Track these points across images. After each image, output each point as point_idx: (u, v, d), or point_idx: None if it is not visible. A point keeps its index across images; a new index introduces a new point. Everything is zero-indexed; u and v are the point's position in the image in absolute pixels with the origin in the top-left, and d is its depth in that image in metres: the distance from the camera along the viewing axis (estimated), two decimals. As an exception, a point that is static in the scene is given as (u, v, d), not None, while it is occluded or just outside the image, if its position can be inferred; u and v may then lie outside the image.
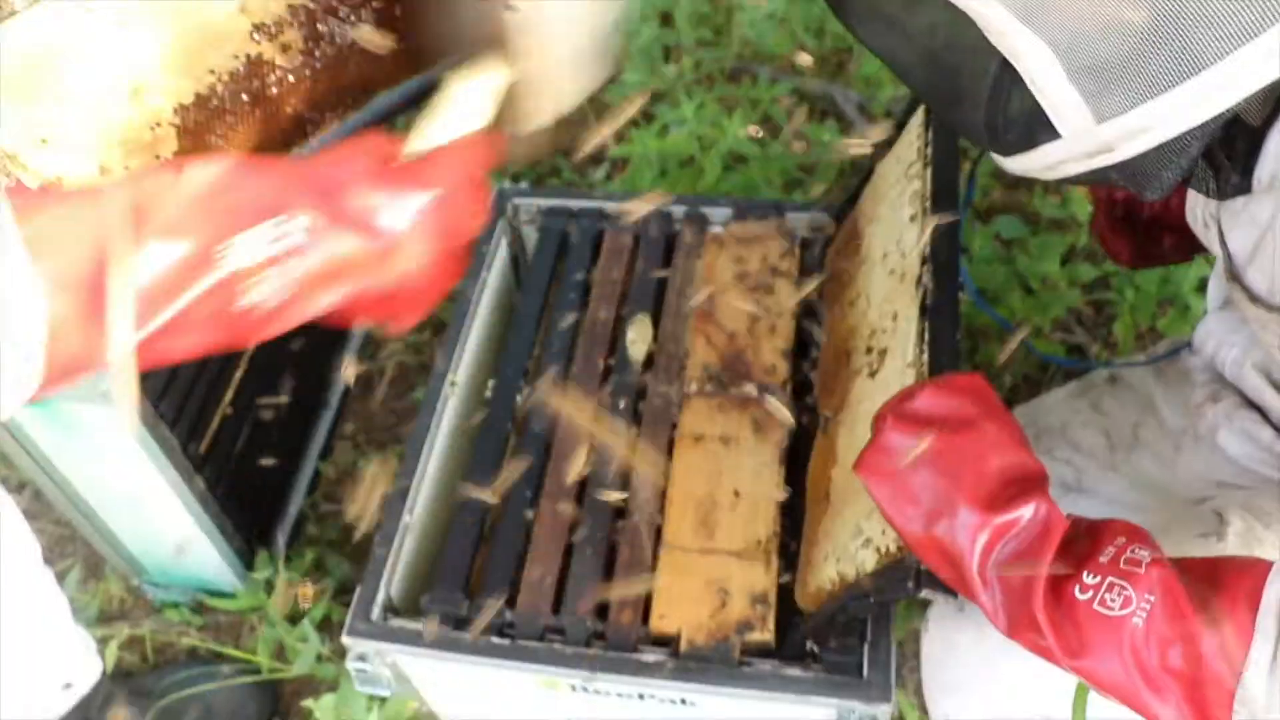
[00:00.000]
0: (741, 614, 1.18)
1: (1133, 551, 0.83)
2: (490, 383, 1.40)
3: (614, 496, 1.26)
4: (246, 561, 1.55)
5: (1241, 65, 0.65)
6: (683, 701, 1.18)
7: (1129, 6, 0.66)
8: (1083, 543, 0.85)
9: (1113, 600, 0.80)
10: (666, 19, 2.31)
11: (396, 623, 1.21)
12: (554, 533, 1.25)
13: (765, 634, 1.17)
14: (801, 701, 1.13)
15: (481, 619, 1.17)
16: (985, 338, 1.80)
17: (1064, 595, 0.82)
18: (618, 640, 1.17)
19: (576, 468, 1.29)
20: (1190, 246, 1.29)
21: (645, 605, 1.20)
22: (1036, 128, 0.74)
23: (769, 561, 1.22)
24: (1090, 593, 0.81)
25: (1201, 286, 1.80)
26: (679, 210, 1.53)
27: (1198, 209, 0.98)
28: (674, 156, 1.84)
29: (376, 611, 1.20)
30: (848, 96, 2.18)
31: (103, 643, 1.53)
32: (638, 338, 1.40)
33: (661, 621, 1.18)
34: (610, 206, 1.54)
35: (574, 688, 1.19)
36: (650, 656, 1.15)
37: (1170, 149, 0.71)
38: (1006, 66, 0.72)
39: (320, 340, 1.78)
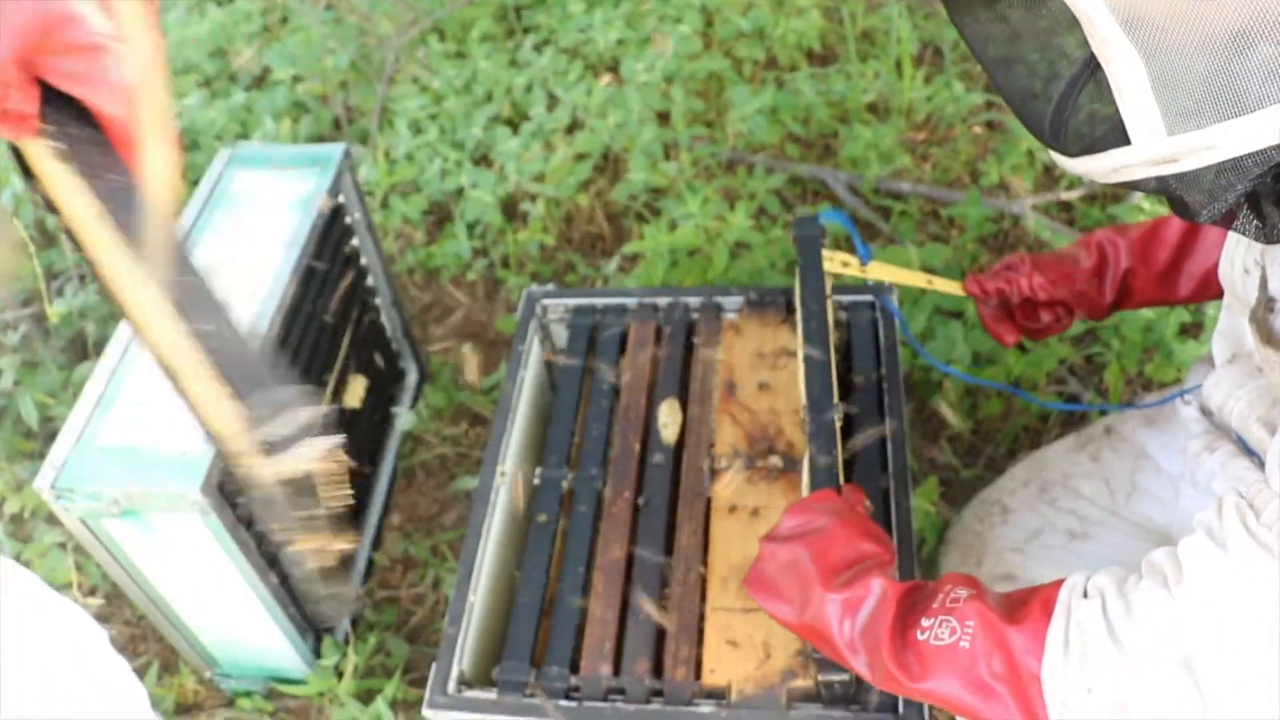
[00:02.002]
0: (784, 665, 1.30)
1: (954, 592, 1.01)
2: (538, 470, 1.52)
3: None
4: (314, 649, 1.67)
5: None
6: (736, 749, 1.30)
7: (1224, 33, 0.71)
8: (923, 597, 1.03)
9: (943, 633, 0.98)
10: (664, 118, 2.49)
11: (470, 694, 1.32)
12: (608, 604, 1.38)
13: (807, 681, 1.28)
14: (844, 741, 1.24)
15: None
16: (985, 396, 1.94)
17: (909, 639, 1.00)
18: (674, 696, 1.29)
19: (624, 544, 1.41)
20: (1063, 318, 1.48)
21: (697, 663, 1.32)
22: (1108, 133, 0.79)
23: (805, 616, 1.34)
24: (927, 632, 0.99)
25: (1182, 332, 1.94)
26: (695, 301, 1.67)
27: (1237, 258, 1.09)
28: (683, 248, 1.99)
29: (452, 685, 1.32)
30: (837, 178, 2.35)
31: (184, 736, 1.64)
32: (669, 420, 1.54)
33: (712, 676, 1.30)
34: (632, 301, 1.69)
35: (636, 743, 1.31)
36: (705, 708, 1.27)
37: (1229, 169, 0.76)
38: (1089, 70, 0.79)
39: (366, 439, 1.91)
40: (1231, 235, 1.11)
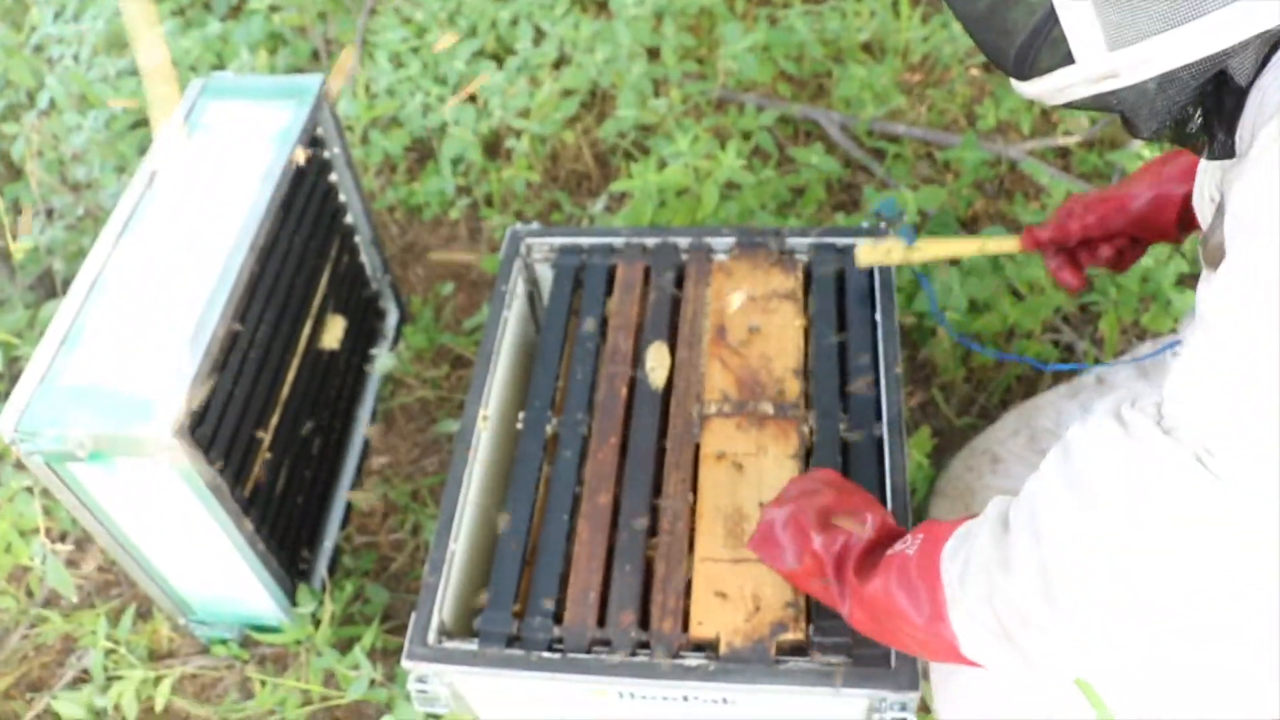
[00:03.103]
0: (774, 617, 1.26)
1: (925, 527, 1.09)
2: (520, 415, 1.48)
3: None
4: (290, 596, 1.63)
5: (1243, 13, 0.74)
6: (724, 700, 1.27)
7: None
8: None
9: (898, 546, 1.09)
10: (654, 54, 2.41)
11: (451, 644, 1.28)
12: (593, 552, 1.34)
13: (797, 633, 1.25)
14: (835, 694, 1.21)
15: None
16: (980, 343, 1.90)
17: (874, 557, 1.11)
18: (661, 648, 1.25)
19: (610, 491, 1.37)
20: (1129, 249, 1.41)
21: (684, 615, 1.28)
22: (1056, 55, 0.82)
23: (796, 567, 1.30)
24: (892, 549, 1.10)
25: (1179, 281, 1.90)
26: (685, 241, 1.62)
27: (1205, 188, 1.07)
28: (672, 188, 1.93)
29: (432, 635, 1.28)
30: (830, 118, 2.29)
31: (155, 683, 1.60)
32: (656, 365, 1.49)
33: (700, 628, 1.27)
34: (619, 241, 1.63)
35: (621, 694, 1.28)
36: (693, 661, 1.24)
37: (1167, 84, 0.80)
38: (1050, 13, 0.80)
39: (344, 382, 1.86)
40: (1200, 166, 1.09)
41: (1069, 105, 0.87)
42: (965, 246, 1.47)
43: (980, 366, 1.91)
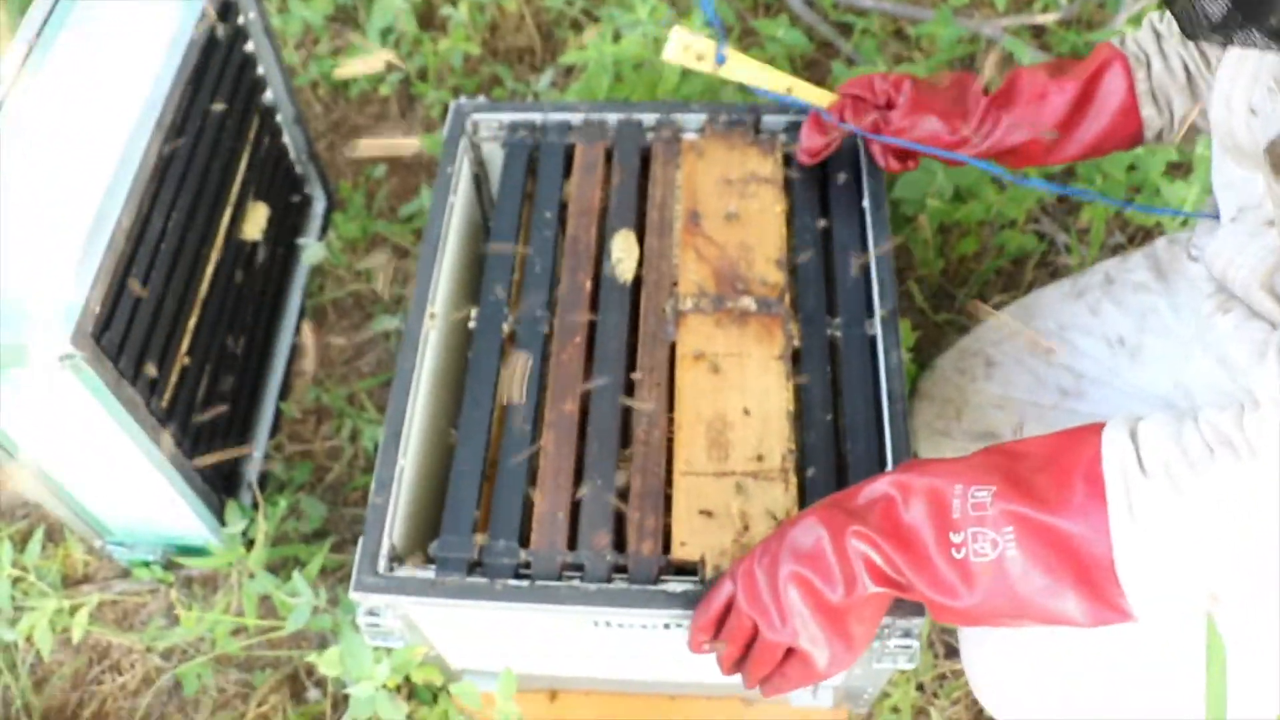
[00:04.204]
0: (764, 536, 1.15)
1: (972, 497, 0.90)
2: (472, 312, 1.32)
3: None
4: (217, 514, 1.47)
5: None
6: (709, 628, 1.15)
7: None
8: (935, 508, 0.91)
9: (983, 548, 0.88)
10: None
11: (404, 572, 1.14)
12: (560, 466, 1.20)
13: (790, 554, 1.13)
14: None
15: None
16: (961, 234, 1.78)
17: (945, 558, 0.89)
18: (640, 573, 1.13)
19: (575, 397, 1.23)
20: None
21: (665, 535, 1.16)
22: None
23: (787, 480, 1.18)
24: (963, 550, 0.88)
25: (1169, 170, 1.79)
26: (650, 119, 1.46)
27: (1236, 99, 0.95)
28: (628, 61, 1.75)
29: (382, 563, 1.14)
30: (793, -11, 2.11)
31: (72, 612, 1.45)
32: (624, 255, 1.34)
33: (683, 550, 1.14)
34: (577, 118, 1.46)
35: (596, 623, 1.16)
36: (676, 587, 1.12)
37: None
38: None
39: (268, 276, 1.68)
40: (1224, 76, 1.00)
41: None
42: (774, 81, 1.32)
43: (960, 259, 1.79)
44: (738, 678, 1.06)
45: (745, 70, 1.30)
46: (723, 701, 1.45)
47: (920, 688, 1.50)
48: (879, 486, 0.95)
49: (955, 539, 0.88)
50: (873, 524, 0.92)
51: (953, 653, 1.51)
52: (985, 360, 1.44)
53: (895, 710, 1.46)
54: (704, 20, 1.32)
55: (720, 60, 1.27)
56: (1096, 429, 0.89)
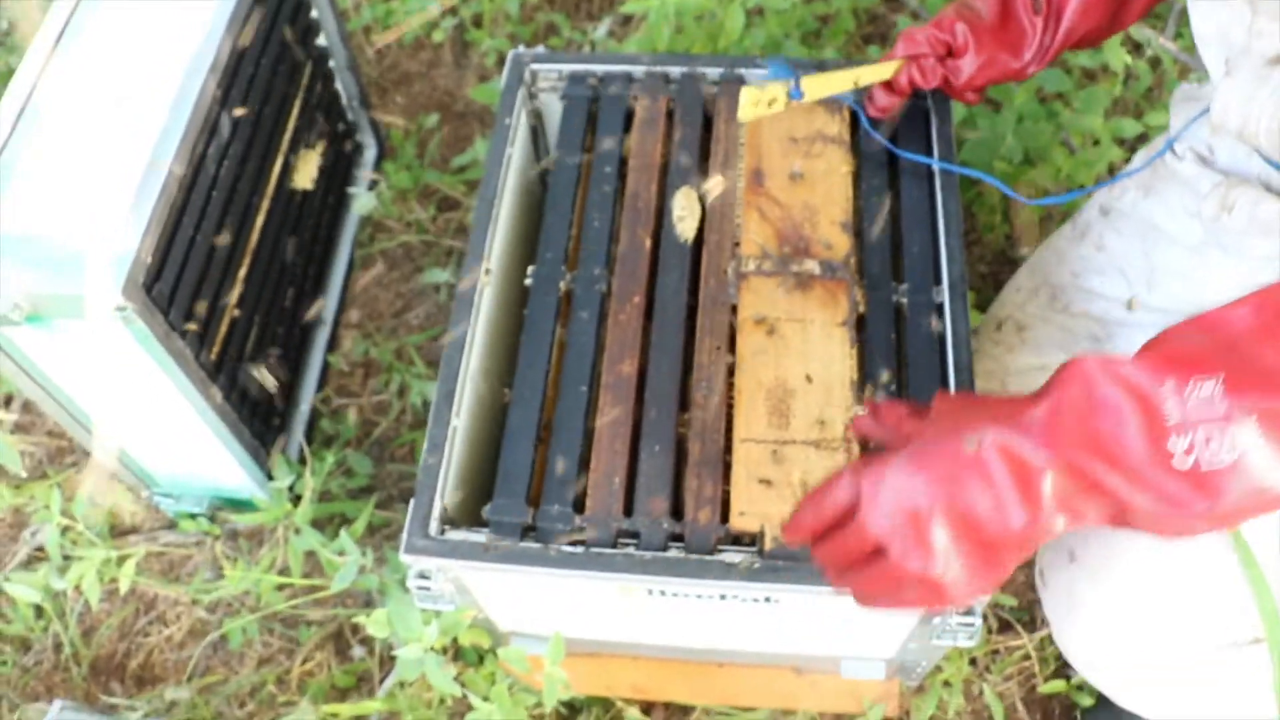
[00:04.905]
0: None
1: (1196, 391, 0.73)
2: (529, 270, 1.28)
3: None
4: (264, 469, 1.46)
5: None
6: (766, 600, 1.12)
7: None
8: (1141, 414, 0.74)
9: (1218, 454, 0.72)
10: None
11: (456, 535, 1.12)
12: (617, 430, 1.17)
13: (851, 527, 1.10)
14: (895, 596, 1.07)
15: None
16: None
17: (1165, 469, 0.73)
18: (697, 542, 1.10)
19: (634, 359, 1.20)
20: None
21: (723, 503, 1.13)
22: None
23: (849, 450, 1.14)
24: (1192, 455, 0.73)
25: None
26: (715, 72, 1.41)
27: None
28: (691, 11, 1.70)
29: (434, 525, 1.12)
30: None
31: (119, 562, 1.44)
32: (685, 213, 1.30)
33: (741, 519, 1.11)
34: (639, 70, 1.42)
35: (650, 592, 1.13)
36: (734, 557, 1.08)
37: None
38: None
39: (318, 225, 1.65)
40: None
41: None
42: (843, 82, 1.28)
43: (1024, 225, 1.73)
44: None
45: (817, 89, 1.26)
46: (773, 670, 1.42)
47: (973, 662, 1.47)
48: (1057, 394, 0.77)
49: (1176, 446, 0.73)
50: (1062, 441, 0.75)
51: (1006, 627, 1.48)
52: (1016, 325, 1.39)
53: (947, 684, 1.43)
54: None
55: (796, 96, 1.24)
56: None
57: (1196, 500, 0.73)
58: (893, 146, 1.33)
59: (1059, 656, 1.45)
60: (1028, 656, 1.46)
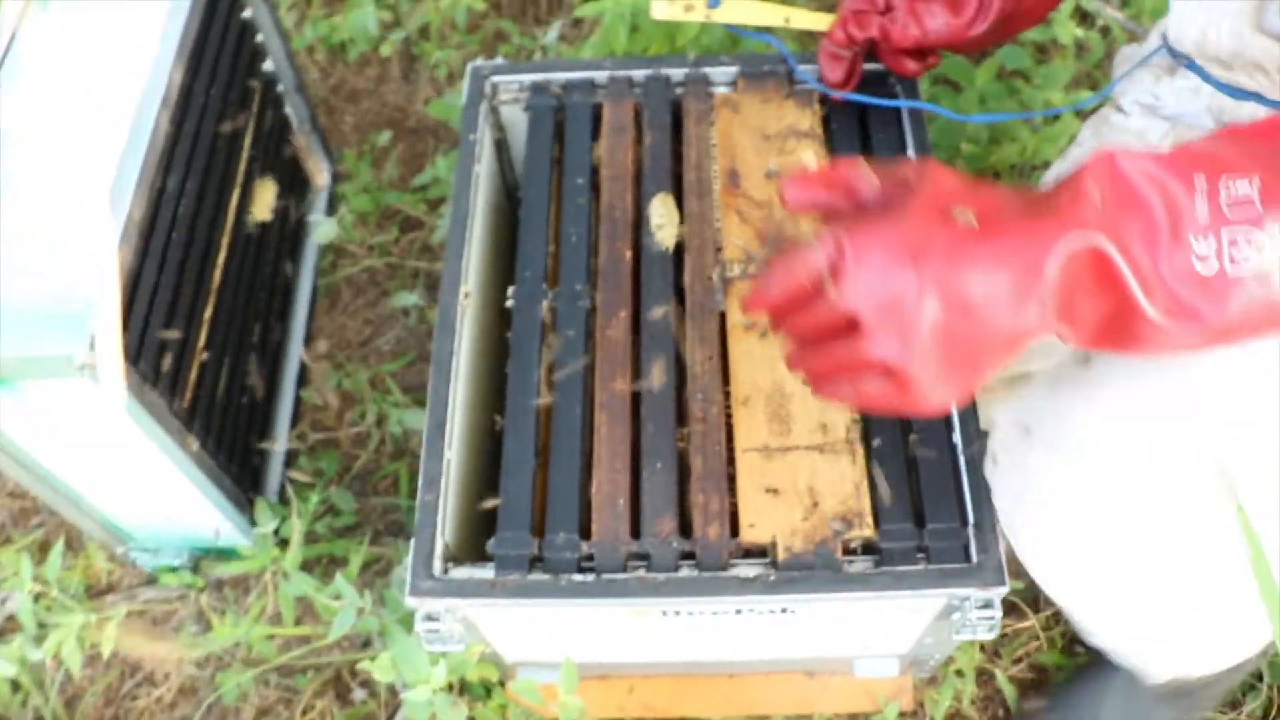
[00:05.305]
0: (836, 511, 1.09)
1: (1228, 189, 0.66)
2: (510, 290, 1.24)
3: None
4: (245, 513, 1.40)
5: None
6: (783, 611, 1.10)
7: None
8: (1164, 204, 0.67)
9: (1243, 253, 0.66)
10: None
11: (461, 573, 1.08)
12: (615, 450, 1.13)
13: (864, 529, 1.07)
14: (915, 596, 1.05)
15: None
16: (996, 177, 1.71)
17: (1191, 275, 0.66)
18: (709, 559, 1.07)
19: (626, 375, 1.17)
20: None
21: (732, 517, 1.10)
22: None
23: (853, 452, 1.12)
24: (1213, 260, 0.66)
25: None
26: (679, 73, 1.37)
27: None
28: (644, 10, 1.66)
29: (437, 565, 1.08)
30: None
31: (99, 625, 1.38)
32: (664, 220, 1.26)
33: (752, 531, 1.08)
34: (602, 76, 1.38)
35: (665, 613, 1.10)
36: (749, 571, 1.06)
37: None
38: None
39: (279, 257, 1.60)
40: None
41: None
42: (772, 14, 1.24)
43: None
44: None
45: (739, 9, 1.21)
46: (784, 676, 1.40)
47: (982, 648, 1.45)
48: (1081, 182, 0.69)
49: (1201, 247, 0.66)
50: (1079, 224, 0.67)
51: (1012, 610, 1.47)
52: None
53: (959, 674, 1.41)
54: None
55: (714, 4, 1.19)
56: None
57: (1207, 308, 0.66)
58: (857, 97, 1.27)
59: (1065, 634, 1.45)
60: (1035, 636, 1.45)
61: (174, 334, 1.20)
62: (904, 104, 1.28)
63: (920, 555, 1.07)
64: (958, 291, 0.68)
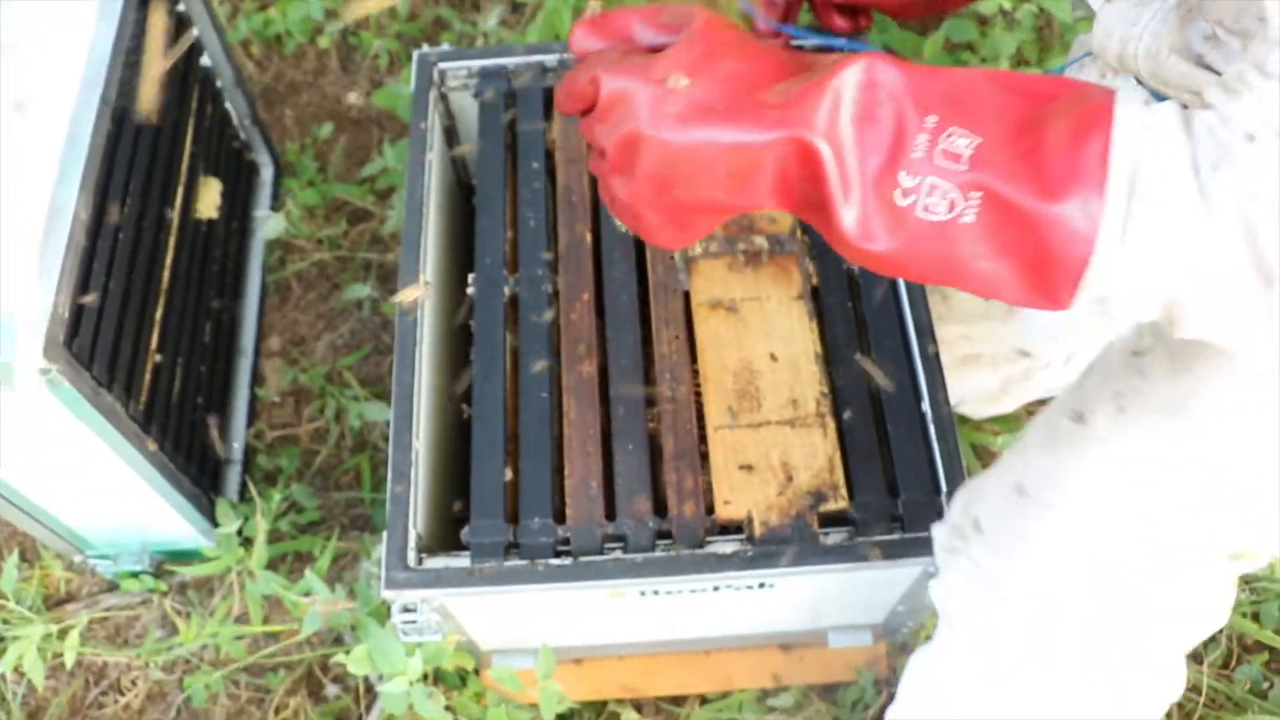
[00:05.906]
0: (810, 485, 1.09)
1: (950, 140, 0.68)
2: (470, 277, 1.23)
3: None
4: (206, 514, 1.38)
5: None
6: (760, 586, 1.10)
7: None
8: (892, 131, 0.69)
9: (936, 204, 0.68)
10: None
11: (436, 563, 1.07)
12: (586, 433, 1.13)
13: (839, 501, 1.08)
14: (890, 567, 1.06)
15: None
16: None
17: (881, 199, 0.69)
18: (685, 537, 1.07)
19: (593, 357, 1.16)
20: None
21: (707, 494, 1.10)
22: None
23: (824, 425, 1.13)
24: (911, 196, 0.68)
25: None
26: (629, 52, 1.36)
27: None
28: (588, -9, 1.65)
29: (411, 556, 1.07)
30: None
31: (60, 635, 1.35)
32: (622, 202, 1.26)
33: (727, 508, 1.09)
34: (552, 59, 1.37)
35: (643, 593, 1.10)
36: (725, 547, 1.06)
37: None
38: None
39: (226, 255, 1.57)
40: None
41: None
42: None
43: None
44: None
45: None
46: (758, 650, 1.40)
47: (949, 613, 1.47)
48: (827, 77, 0.69)
49: (907, 181, 0.68)
50: (806, 121, 0.69)
51: (977, 575, 1.48)
52: (941, 295, 1.39)
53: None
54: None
55: None
56: (1102, 110, 0.68)
57: (884, 238, 0.69)
58: (793, 30, 1.22)
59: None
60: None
61: (89, 298, 1.13)
62: (845, 45, 1.24)
63: (895, 524, 1.08)
64: (674, 152, 0.71)
